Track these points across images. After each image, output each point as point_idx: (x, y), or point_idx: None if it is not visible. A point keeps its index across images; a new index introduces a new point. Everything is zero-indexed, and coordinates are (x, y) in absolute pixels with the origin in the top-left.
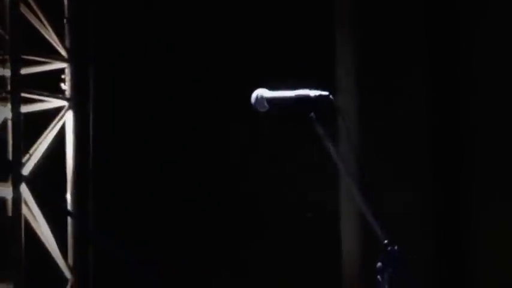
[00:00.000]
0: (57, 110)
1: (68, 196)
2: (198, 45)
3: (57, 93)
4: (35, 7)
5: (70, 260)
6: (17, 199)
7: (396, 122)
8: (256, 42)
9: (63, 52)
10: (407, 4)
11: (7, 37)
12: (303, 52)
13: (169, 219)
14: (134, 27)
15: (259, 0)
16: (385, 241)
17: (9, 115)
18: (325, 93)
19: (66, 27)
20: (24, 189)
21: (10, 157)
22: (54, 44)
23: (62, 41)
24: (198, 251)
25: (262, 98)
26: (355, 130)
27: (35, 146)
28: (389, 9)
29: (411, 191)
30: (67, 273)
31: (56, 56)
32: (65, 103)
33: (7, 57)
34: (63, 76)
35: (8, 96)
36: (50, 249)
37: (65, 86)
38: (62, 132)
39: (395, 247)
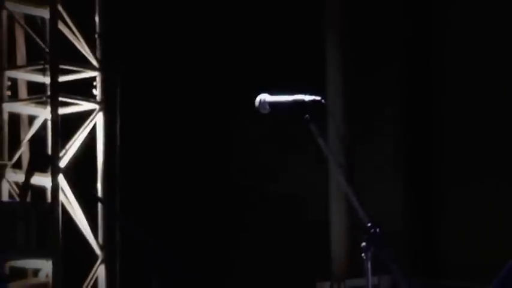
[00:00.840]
0: (89, 112)
1: (99, 185)
2: (209, 56)
3: (89, 97)
4: (70, 24)
5: (100, 239)
6: (55, 188)
7: (376, 119)
8: (256, 50)
9: (94, 62)
10: (387, 14)
11: (47, 50)
12: (299, 61)
13: (183, 205)
14: (155, 40)
15: (257, 13)
16: (369, 224)
17: (49, 116)
18: (318, 98)
19: (97, 41)
20: (61, 179)
21: (49, 152)
22: (87, 56)
23: (94, 53)
24: (202, 232)
25: (264, 101)
26: (342, 127)
27: (70, 142)
28: (371, 25)
29: (391, 181)
30: (97, 251)
31: (88, 65)
32: (96, 106)
33: (47, 66)
34: (94, 83)
35: (48, 100)
36: (83, 230)
37: (96, 92)
38: (93, 131)
39: (377, 229)
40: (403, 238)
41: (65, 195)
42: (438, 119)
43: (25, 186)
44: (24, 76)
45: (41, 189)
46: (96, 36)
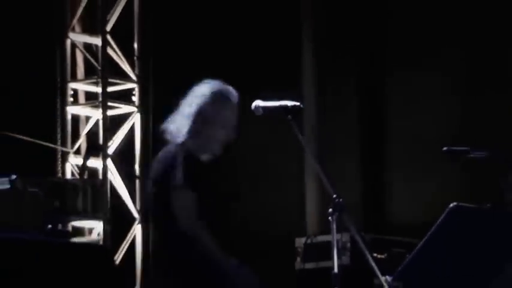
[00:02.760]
0: (129, 114)
1: (136, 167)
2: (217, 63)
3: (130, 103)
4: (116, 49)
5: (137, 206)
6: (105, 169)
7: (338, 119)
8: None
9: (133, 77)
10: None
11: (99, 68)
12: (280, 71)
13: None
14: (178, 61)
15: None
16: (334, 195)
17: (100, 116)
18: (298, 103)
19: (136, 61)
20: (109, 162)
21: (100, 142)
22: (128, 72)
23: (133, 70)
24: None
25: (259, 106)
26: (315, 126)
27: (116, 135)
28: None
29: (352, 162)
30: (135, 214)
31: (129, 79)
32: (134, 109)
33: (99, 80)
34: (133, 92)
35: (100, 104)
36: (124, 199)
37: (135, 98)
38: (132, 127)
39: (340, 199)
40: (359, 205)
41: (112, 174)
42: (388, 113)
43: (83, 168)
44: (83, 87)
45: (95, 170)
46: (135, 58)
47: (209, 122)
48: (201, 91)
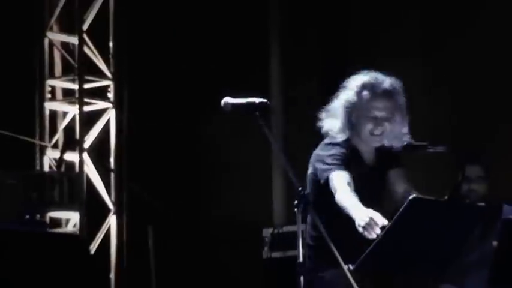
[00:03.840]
0: (105, 109)
1: (111, 160)
2: (195, 63)
3: (105, 99)
4: (92, 48)
5: (112, 197)
6: (81, 162)
7: (303, 116)
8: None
9: (109, 75)
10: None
11: (76, 65)
12: (250, 71)
13: (175, 174)
14: (152, 59)
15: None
16: (299, 188)
17: (77, 112)
18: (265, 100)
19: (111, 60)
20: (85, 156)
21: (77, 137)
22: (104, 70)
23: (108, 68)
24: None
25: (228, 103)
26: (281, 121)
27: (92, 130)
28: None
29: None
30: (110, 206)
31: (104, 77)
32: (109, 105)
33: (76, 77)
34: (108, 89)
35: (76, 100)
36: (100, 191)
37: (110, 95)
38: (107, 123)
39: (304, 191)
40: None
41: (88, 167)
42: None
43: (60, 161)
44: (60, 84)
45: (71, 163)
46: (110, 56)
47: (356, 115)
48: (351, 84)
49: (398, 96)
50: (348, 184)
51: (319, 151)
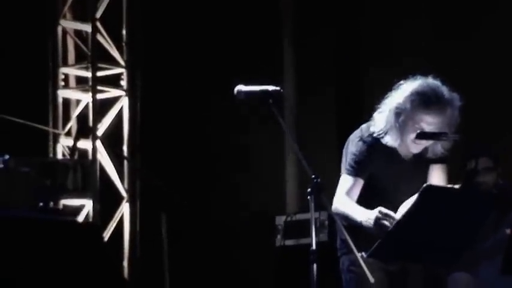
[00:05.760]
0: (118, 97)
1: (125, 148)
2: (206, 57)
3: (118, 87)
4: (105, 35)
5: (126, 185)
6: (94, 149)
7: (316, 105)
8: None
9: (122, 62)
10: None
11: (89, 53)
12: (263, 60)
13: (188, 161)
14: (165, 47)
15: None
16: (313, 175)
17: (90, 100)
18: (278, 88)
19: (124, 48)
20: (98, 143)
21: (90, 124)
22: (117, 58)
23: (122, 56)
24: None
25: (241, 91)
26: (294, 110)
27: (105, 118)
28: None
29: (329, 145)
30: (123, 193)
31: (117, 64)
32: (123, 93)
33: (89, 65)
34: (122, 77)
35: (90, 88)
36: (113, 178)
37: (123, 83)
38: (121, 110)
39: (318, 179)
40: (336, 186)
41: (101, 154)
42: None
43: (73, 149)
44: (73, 72)
45: (84, 151)
46: (123, 44)
47: (403, 120)
48: (407, 87)
49: (451, 113)
50: (347, 193)
51: (352, 141)
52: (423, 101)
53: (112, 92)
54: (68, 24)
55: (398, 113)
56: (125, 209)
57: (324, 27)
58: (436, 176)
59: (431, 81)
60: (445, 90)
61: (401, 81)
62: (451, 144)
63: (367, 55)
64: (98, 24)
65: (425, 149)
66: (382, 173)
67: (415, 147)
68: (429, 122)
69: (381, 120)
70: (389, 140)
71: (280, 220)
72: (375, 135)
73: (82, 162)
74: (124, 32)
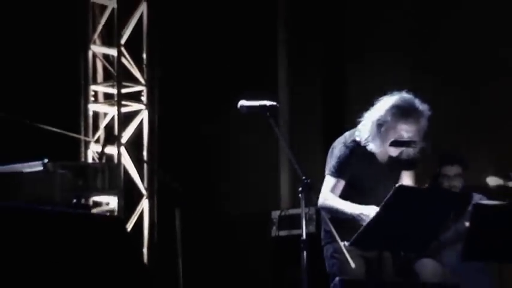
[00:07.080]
0: (139, 111)
1: (144, 153)
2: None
3: (139, 101)
4: (129, 58)
5: (145, 184)
6: (119, 154)
7: (306, 117)
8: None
9: (142, 81)
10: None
11: (115, 74)
12: (261, 78)
13: (200, 161)
14: (180, 67)
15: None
16: (303, 176)
17: (116, 113)
18: (275, 103)
19: (144, 68)
20: (122, 149)
21: (116, 133)
22: (138, 77)
23: (142, 76)
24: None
25: (243, 105)
26: (287, 122)
27: (128, 128)
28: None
29: (317, 152)
30: (143, 191)
31: (139, 83)
32: (143, 107)
33: (115, 83)
34: (142, 93)
35: (115, 103)
36: (134, 178)
37: (143, 98)
38: (141, 122)
39: (308, 180)
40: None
41: (125, 158)
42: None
43: (102, 154)
44: (102, 89)
45: (111, 156)
46: (144, 66)
47: (385, 130)
48: (386, 101)
49: (424, 122)
50: (331, 191)
51: (336, 146)
52: (402, 113)
53: (134, 106)
54: (97, 49)
55: (380, 124)
56: (144, 204)
57: (313, 47)
58: (407, 177)
59: (406, 95)
60: (417, 102)
61: (381, 99)
62: (420, 149)
63: (352, 70)
64: (123, 49)
65: (401, 152)
66: (362, 174)
67: (394, 151)
68: (407, 130)
69: (364, 131)
70: (373, 147)
71: (275, 214)
72: (362, 144)
73: (109, 165)
74: (144, 55)
